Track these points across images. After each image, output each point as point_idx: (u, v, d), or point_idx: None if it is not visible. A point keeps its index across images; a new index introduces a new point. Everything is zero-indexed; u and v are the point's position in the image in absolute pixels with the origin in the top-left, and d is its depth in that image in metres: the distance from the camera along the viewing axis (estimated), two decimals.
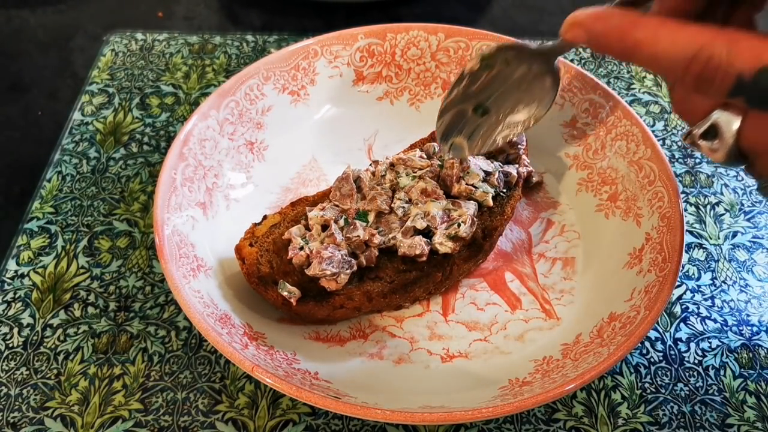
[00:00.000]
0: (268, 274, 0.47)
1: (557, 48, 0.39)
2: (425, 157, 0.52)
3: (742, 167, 0.32)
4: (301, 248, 0.46)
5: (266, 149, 0.59)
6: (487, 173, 0.51)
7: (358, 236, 0.46)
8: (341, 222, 0.47)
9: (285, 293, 0.45)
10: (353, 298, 0.46)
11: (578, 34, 0.31)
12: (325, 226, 0.47)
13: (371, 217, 0.48)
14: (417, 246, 0.46)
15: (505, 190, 0.51)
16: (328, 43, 0.61)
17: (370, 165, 0.52)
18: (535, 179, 0.57)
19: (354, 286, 0.46)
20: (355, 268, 0.46)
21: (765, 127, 0.29)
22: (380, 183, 0.50)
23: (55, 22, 0.77)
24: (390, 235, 0.47)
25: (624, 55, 0.30)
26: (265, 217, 0.51)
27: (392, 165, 0.52)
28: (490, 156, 0.53)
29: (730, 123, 0.30)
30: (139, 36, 0.75)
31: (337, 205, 0.49)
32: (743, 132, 0.30)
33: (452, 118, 0.45)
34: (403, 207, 0.48)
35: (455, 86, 0.43)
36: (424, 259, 0.47)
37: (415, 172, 0.51)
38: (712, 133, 0.31)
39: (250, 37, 0.74)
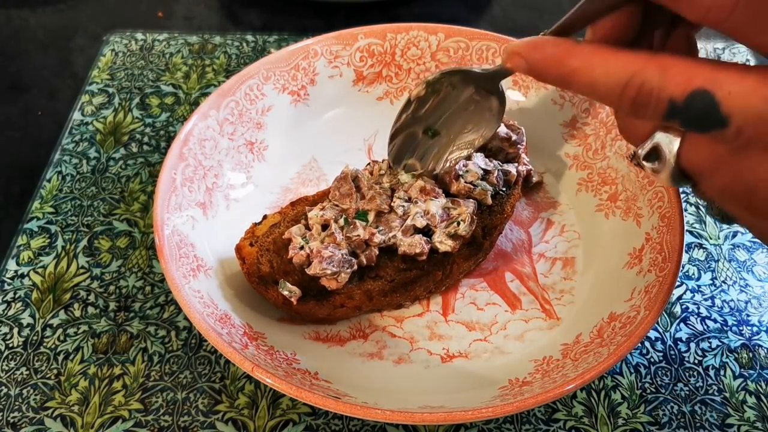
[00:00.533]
0: (268, 274, 0.47)
1: (501, 72, 0.39)
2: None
3: (688, 187, 0.32)
4: (302, 248, 0.46)
5: (266, 149, 0.59)
6: (486, 171, 0.51)
7: (359, 235, 0.46)
8: (341, 221, 0.47)
9: (285, 292, 0.45)
10: (354, 297, 0.46)
11: (518, 62, 0.31)
12: (325, 226, 0.47)
13: (371, 217, 0.48)
14: (417, 245, 0.46)
15: (504, 189, 0.51)
16: (328, 43, 0.61)
17: (368, 164, 0.52)
18: (535, 179, 0.57)
19: (354, 285, 0.46)
20: (356, 267, 0.46)
21: (703, 149, 0.29)
22: (379, 182, 0.50)
23: (55, 22, 0.77)
24: (390, 234, 0.47)
25: (561, 83, 0.30)
26: (265, 217, 0.51)
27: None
28: (489, 154, 0.53)
29: (671, 144, 0.30)
30: (139, 36, 0.75)
31: (336, 205, 0.49)
32: (683, 153, 0.30)
33: (403, 141, 0.47)
34: (403, 206, 0.48)
35: (403, 111, 0.45)
36: (425, 257, 0.47)
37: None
38: (655, 154, 0.31)
39: (250, 37, 0.74)
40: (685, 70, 0.27)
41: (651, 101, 0.28)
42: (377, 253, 0.47)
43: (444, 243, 0.47)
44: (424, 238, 0.47)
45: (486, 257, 0.52)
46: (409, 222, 0.47)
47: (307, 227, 0.48)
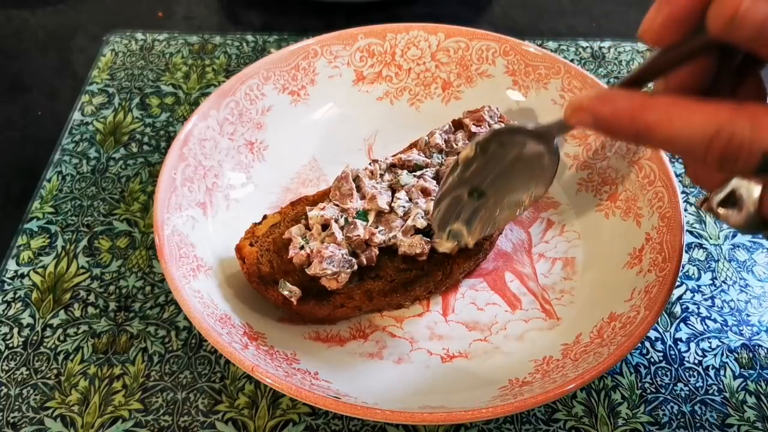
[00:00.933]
0: (268, 274, 0.47)
1: (555, 128, 0.36)
2: (424, 155, 0.52)
3: (762, 234, 0.31)
4: (302, 247, 0.46)
5: (266, 149, 0.59)
6: None
7: (359, 235, 0.46)
8: (341, 221, 0.47)
9: (286, 292, 0.45)
10: (354, 297, 0.46)
11: (584, 118, 0.29)
12: (325, 226, 0.47)
13: (371, 217, 0.48)
14: (417, 245, 0.46)
15: None
16: (328, 43, 0.61)
17: (370, 164, 0.52)
18: None
19: (354, 285, 0.46)
20: (356, 267, 0.46)
21: None
22: (380, 182, 0.50)
23: (55, 22, 0.77)
24: (391, 234, 0.47)
25: (637, 139, 0.28)
26: (265, 217, 0.51)
27: (393, 165, 0.52)
28: None
29: (751, 191, 0.29)
30: (139, 36, 0.75)
31: (337, 205, 0.49)
32: (764, 203, 0.29)
33: (448, 206, 0.43)
34: (404, 206, 0.48)
35: (449, 174, 0.41)
36: (425, 258, 0.47)
37: (415, 172, 0.51)
38: (732, 200, 0.30)
39: (250, 37, 0.74)
40: None
41: (741, 156, 0.26)
42: (377, 253, 0.47)
43: (444, 244, 0.47)
44: (425, 238, 0.47)
45: (486, 257, 0.52)
46: (409, 222, 0.47)
47: (308, 227, 0.48)
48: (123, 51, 0.73)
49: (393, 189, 0.50)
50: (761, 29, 0.23)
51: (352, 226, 0.47)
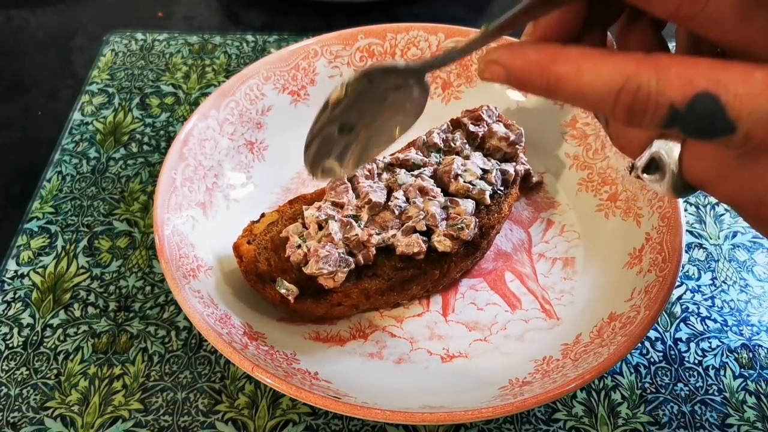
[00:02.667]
0: (265, 272, 0.47)
1: (427, 66, 0.35)
2: (422, 155, 0.53)
3: (689, 195, 0.30)
4: (299, 246, 0.46)
5: (266, 149, 0.59)
6: (485, 171, 0.51)
7: (356, 235, 0.46)
8: (337, 221, 0.47)
9: (283, 291, 0.45)
10: (351, 295, 0.46)
11: (497, 72, 0.28)
12: (321, 225, 0.47)
13: (365, 214, 0.48)
14: (414, 244, 0.47)
15: (502, 188, 0.51)
16: (328, 43, 0.61)
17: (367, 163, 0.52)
18: (535, 179, 0.57)
19: (352, 284, 0.46)
20: (353, 266, 0.46)
21: (706, 157, 0.27)
22: (377, 182, 0.50)
23: (55, 22, 0.77)
24: (390, 233, 0.47)
25: (547, 92, 0.27)
26: (263, 215, 0.51)
27: (390, 165, 0.52)
28: (487, 154, 0.53)
29: (671, 153, 0.28)
30: (139, 36, 0.75)
31: (334, 203, 0.49)
32: (685, 163, 0.28)
33: (319, 146, 0.42)
34: (401, 206, 0.48)
35: (319, 116, 0.40)
36: (422, 257, 0.47)
37: (413, 171, 0.51)
38: (654, 165, 0.29)
39: (250, 37, 0.74)
40: (685, 71, 0.24)
41: (649, 107, 0.25)
42: (374, 252, 0.47)
43: (443, 243, 0.47)
44: (422, 237, 0.47)
45: (483, 256, 0.52)
46: (410, 224, 0.47)
47: (305, 226, 0.48)
48: (123, 51, 0.73)
49: (390, 188, 0.50)
50: None
51: (349, 227, 0.47)
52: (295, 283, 0.46)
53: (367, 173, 0.50)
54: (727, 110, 0.23)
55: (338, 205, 0.48)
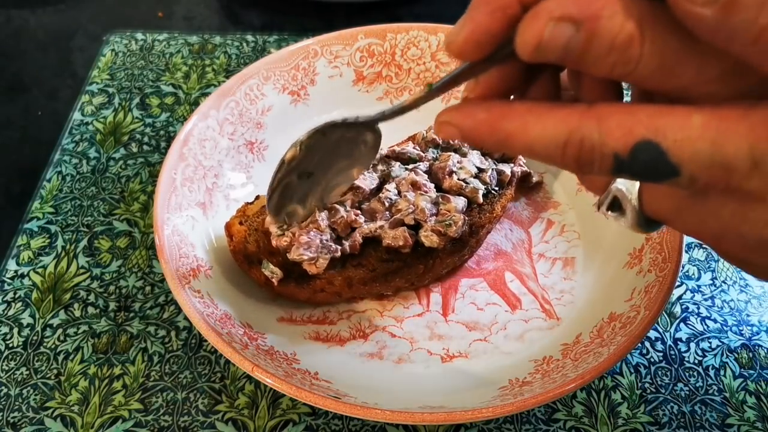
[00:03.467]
0: (254, 253, 0.48)
1: (377, 118, 0.37)
2: (420, 149, 0.53)
3: (653, 231, 0.31)
4: (282, 234, 0.46)
5: (266, 149, 0.59)
6: (480, 170, 0.51)
7: (342, 217, 0.47)
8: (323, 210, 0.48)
9: (267, 273, 0.46)
10: (334, 282, 0.47)
11: (450, 131, 0.28)
12: None
13: (349, 197, 0.48)
14: (400, 237, 0.47)
15: (497, 188, 0.51)
16: (328, 43, 0.61)
17: None
18: (535, 179, 0.57)
19: (336, 272, 0.47)
20: (338, 254, 0.46)
21: (662, 196, 0.28)
22: (371, 172, 0.50)
23: (55, 22, 0.77)
24: (377, 224, 0.47)
25: (500, 148, 0.28)
26: (257, 197, 0.51)
27: (387, 156, 0.52)
28: (485, 153, 0.53)
29: (633, 190, 0.29)
30: (139, 36, 0.75)
31: None
32: (644, 202, 0.29)
33: (281, 193, 0.44)
34: (391, 199, 0.48)
35: (276, 172, 0.43)
36: (408, 250, 0.47)
37: (408, 165, 0.51)
38: (617, 204, 0.30)
39: (250, 37, 0.74)
40: (625, 121, 0.24)
41: (595, 158, 0.25)
42: (361, 241, 0.47)
43: (430, 238, 0.47)
44: (409, 230, 0.47)
45: (471, 254, 0.52)
46: (398, 216, 0.48)
47: None
48: (123, 51, 0.73)
49: (384, 180, 0.50)
50: (566, 51, 0.23)
51: (334, 211, 0.47)
52: (282, 266, 0.46)
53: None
54: (668, 155, 0.24)
55: None
